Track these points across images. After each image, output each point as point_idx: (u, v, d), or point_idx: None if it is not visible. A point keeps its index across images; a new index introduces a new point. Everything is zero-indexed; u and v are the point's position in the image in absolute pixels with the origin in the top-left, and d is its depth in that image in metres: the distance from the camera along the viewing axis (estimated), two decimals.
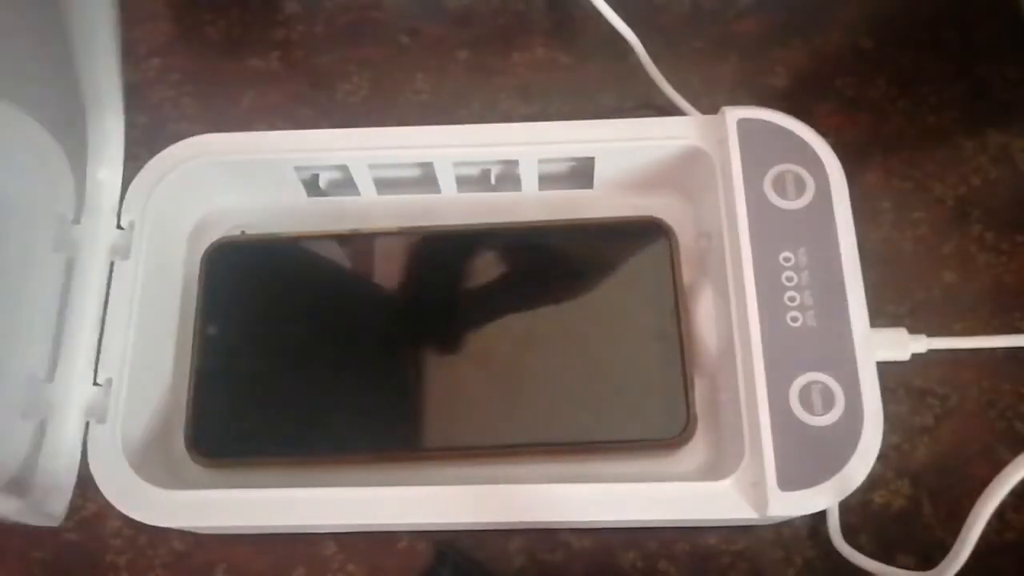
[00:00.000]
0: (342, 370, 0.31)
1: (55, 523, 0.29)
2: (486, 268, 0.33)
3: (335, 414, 0.31)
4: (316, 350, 0.32)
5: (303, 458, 0.31)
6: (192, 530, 0.31)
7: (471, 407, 0.31)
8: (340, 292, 0.33)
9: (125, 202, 0.32)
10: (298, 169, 0.33)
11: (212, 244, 0.33)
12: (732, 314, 0.29)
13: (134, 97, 0.39)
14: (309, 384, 0.31)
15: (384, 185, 0.34)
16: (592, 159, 0.33)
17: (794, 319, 0.28)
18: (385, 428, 0.31)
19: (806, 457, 0.27)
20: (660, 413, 0.30)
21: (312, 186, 0.34)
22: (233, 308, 0.33)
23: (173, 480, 0.31)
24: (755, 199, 0.30)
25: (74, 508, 0.32)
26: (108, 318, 0.31)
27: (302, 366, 0.32)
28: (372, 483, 0.28)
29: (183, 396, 0.32)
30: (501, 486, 0.28)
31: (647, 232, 0.33)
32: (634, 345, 0.31)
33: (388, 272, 0.33)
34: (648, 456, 0.31)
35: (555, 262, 0.33)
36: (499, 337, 0.32)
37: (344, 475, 0.31)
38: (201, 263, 0.33)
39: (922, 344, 0.30)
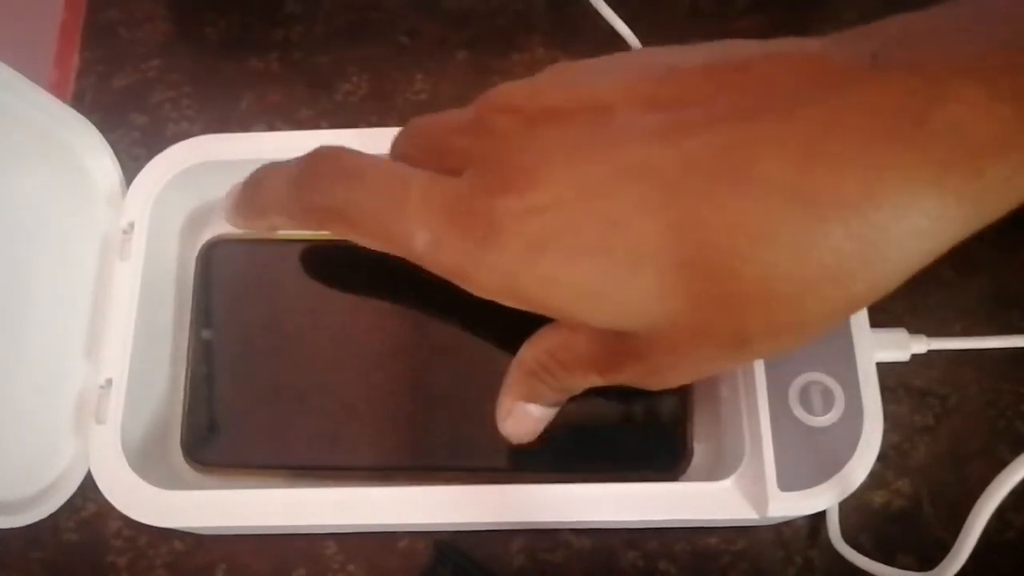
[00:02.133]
0: (342, 377, 0.31)
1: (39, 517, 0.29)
2: None
3: (335, 423, 0.30)
4: (315, 356, 0.31)
5: (301, 468, 0.30)
6: (192, 530, 0.31)
7: (472, 421, 0.29)
8: (338, 296, 0.32)
9: (125, 202, 0.32)
10: None
11: (206, 243, 0.33)
12: None
13: (134, 97, 0.39)
14: (308, 390, 0.31)
15: None
16: None
17: None
18: (384, 442, 0.30)
19: (806, 457, 0.27)
20: (657, 448, 0.29)
21: None
22: (229, 310, 0.32)
23: (173, 480, 0.31)
24: None
25: (74, 508, 0.33)
26: (108, 318, 0.31)
27: (301, 372, 0.31)
28: (372, 483, 0.28)
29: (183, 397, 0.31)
30: (501, 486, 0.28)
31: None
32: None
33: (390, 277, 0.31)
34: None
35: None
36: (501, 347, 0.30)
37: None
38: (196, 263, 0.32)
39: (922, 344, 0.30)
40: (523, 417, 0.26)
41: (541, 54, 0.39)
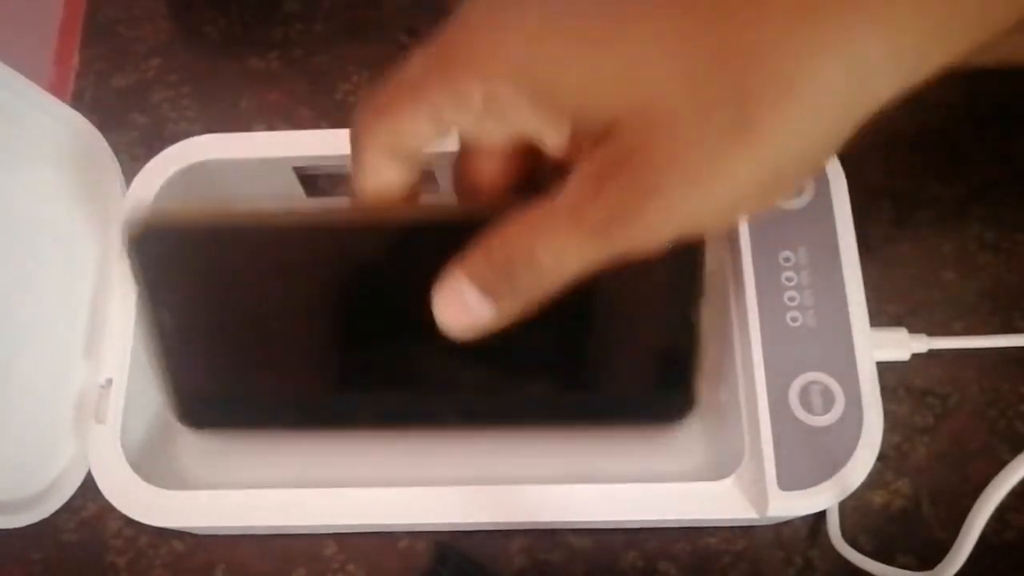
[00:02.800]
0: (321, 342, 0.27)
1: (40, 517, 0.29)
2: None
3: (319, 382, 0.27)
4: (288, 327, 0.27)
5: (292, 425, 0.27)
6: (192, 530, 0.31)
7: (463, 376, 0.26)
8: (303, 278, 0.26)
9: (125, 202, 0.32)
10: (297, 169, 0.33)
11: (133, 225, 0.25)
12: (732, 314, 0.29)
13: (134, 97, 0.39)
14: (277, 350, 0.27)
15: None
16: None
17: (794, 319, 0.28)
18: (373, 398, 0.27)
19: (806, 457, 0.27)
20: (660, 390, 0.27)
21: (311, 185, 0.34)
22: (179, 291, 0.26)
23: (173, 480, 0.31)
24: None
25: (74, 508, 0.33)
26: (108, 318, 0.31)
27: (276, 339, 0.27)
28: (372, 482, 0.28)
29: None
30: (501, 486, 0.28)
31: None
32: (643, 324, 0.27)
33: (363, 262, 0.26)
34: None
35: None
36: None
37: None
38: (127, 251, 0.26)
39: (922, 344, 0.30)
40: (459, 301, 0.22)
41: None
